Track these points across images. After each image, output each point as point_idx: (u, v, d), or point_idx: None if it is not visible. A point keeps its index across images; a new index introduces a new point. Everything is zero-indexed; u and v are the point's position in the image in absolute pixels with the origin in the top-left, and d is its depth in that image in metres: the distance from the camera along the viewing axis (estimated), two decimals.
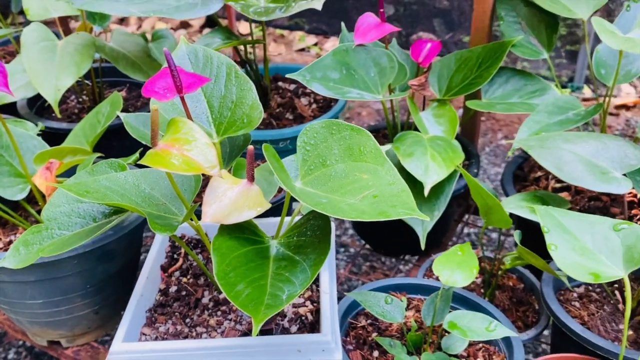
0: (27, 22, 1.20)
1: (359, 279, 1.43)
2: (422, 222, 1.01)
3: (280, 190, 1.06)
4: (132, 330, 0.76)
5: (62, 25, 1.50)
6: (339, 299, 0.86)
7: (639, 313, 0.86)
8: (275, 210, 1.03)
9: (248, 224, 0.71)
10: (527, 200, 0.96)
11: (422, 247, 1.00)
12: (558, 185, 1.11)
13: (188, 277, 0.86)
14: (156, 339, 0.77)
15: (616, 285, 0.92)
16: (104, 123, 1.01)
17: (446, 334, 0.81)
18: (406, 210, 0.61)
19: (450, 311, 0.79)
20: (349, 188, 0.66)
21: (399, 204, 0.63)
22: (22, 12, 1.28)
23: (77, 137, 1.04)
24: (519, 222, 1.07)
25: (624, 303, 0.88)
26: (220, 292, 0.82)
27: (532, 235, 0.94)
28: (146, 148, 0.69)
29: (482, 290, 1.01)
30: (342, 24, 1.19)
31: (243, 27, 2.67)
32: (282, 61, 2.53)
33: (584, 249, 0.70)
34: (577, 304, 0.89)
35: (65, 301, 0.93)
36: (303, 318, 0.77)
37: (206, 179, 0.74)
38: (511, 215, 0.95)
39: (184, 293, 0.83)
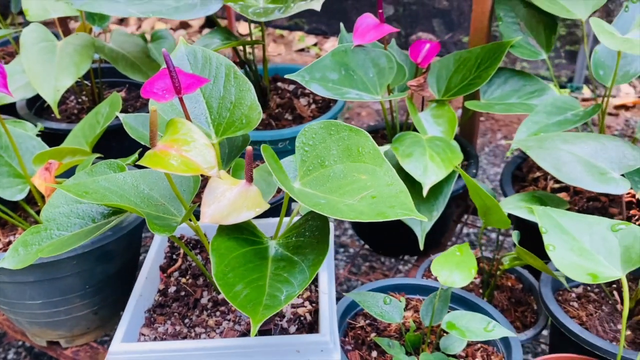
0: (27, 23, 1.20)
1: (359, 279, 1.43)
2: (421, 223, 1.01)
3: (279, 190, 1.06)
4: (131, 330, 0.76)
5: (61, 26, 1.50)
6: (338, 299, 0.86)
7: (637, 313, 0.86)
8: (274, 210, 1.03)
9: (247, 225, 0.71)
10: (526, 200, 0.96)
11: (421, 247, 1.00)
12: (557, 185, 1.11)
13: (187, 277, 0.86)
14: (155, 339, 0.77)
15: (614, 286, 0.92)
16: (103, 124, 1.02)
17: (445, 334, 0.81)
18: (404, 211, 0.61)
19: (448, 311, 0.79)
20: (347, 189, 0.66)
21: (397, 204, 0.63)
22: (21, 13, 1.28)
23: (76, 138, 1.04)
24: (518, 223, 1.07)
25: (622, 303, 0.89)
26: (219, 293, 0.82)
27: (531, 235, 0.94)
28: (145, 149, 0.69)
29: (480, 291, 1.01)
30: (341, 24, 1.19)
31: (243, 28, 2.67)
32: (282, 61, 2.54)
33: (582, 250, 0.70)
34: (575, 304, 0.89)
35: (64, 302, 0.93)
36: (302, 318, 0.77)
37: (205, 180, 0.74)
38: (510, 215, 0.96)
39: (182, 293, 0.83)
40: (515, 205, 0.95)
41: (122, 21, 2.92)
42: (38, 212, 0.99)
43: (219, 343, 0.71)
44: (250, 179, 0.68)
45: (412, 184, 0.95)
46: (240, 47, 1.31)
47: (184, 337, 0.76)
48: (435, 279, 0.96)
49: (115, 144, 1.25)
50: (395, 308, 0.81)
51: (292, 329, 0.76)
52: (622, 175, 0.87)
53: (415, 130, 1.06)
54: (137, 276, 0.84)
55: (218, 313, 0.80)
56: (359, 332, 0.85)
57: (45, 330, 1.00)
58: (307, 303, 0.80)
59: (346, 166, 0.69)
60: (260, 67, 1.37)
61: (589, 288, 0.92)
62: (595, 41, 1.89)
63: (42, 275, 0.88)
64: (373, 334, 0.84)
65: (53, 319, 0.96)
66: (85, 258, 0.89)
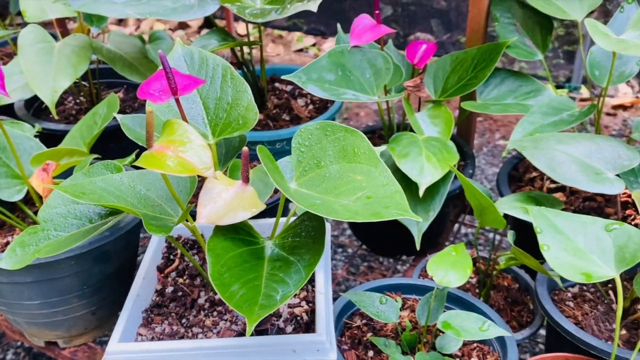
0: (26, 24, 1.21)
1: (357, 279, 1.43)
2: (417, 223, 1.01)
3: (276, 191, 1.06)
4: (128, 330, 0.76)
5: (59, 27, 1.50)
6: (336, 299, 0.86)
7: (633, 312, 0.87)
8: (271, 210, 1.03)
9: (243, 225, 0.71)
10: (521, 200, 0.96)
11: (417, 247, 1.00)
12: (553, 185, 1.12)
13: (184, 277, 0.87)
14: (152, 339, 0.78)
15: (610, 285, 0.92)
16: (100, 124, 1.02)
17: (440, 333, 0.82)
18: (399, 211, 0.62)
19: (444, 311, 0.79)
20: (343, 189, 0.67)
21: (393, 204, 0.63)
22: (20, 13, 1.28)
23: (74, 139, 1.04)
24: (514, 223, 1.08)
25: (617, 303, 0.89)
26: (216, 293, 0.83)
27: (527, 235, 0.95)
28: (143, 149, 0.69)
29: (477, 290, 1.01)
30: (338, 25, 1.19)
31: (241, 28, 2.67)
32: (280, 62, 2.54)
33: (576, 249, 0.71)
34: (571, 304, 0.89)
35: (62, 302, 0.94)
36: (298, 318, 0.78)
37: (202, 181, 0.74)
38: (507, 215, 0.96)
39: (180, 294, 0.84)
40: (510, 205, 0.95)
41: (120, 22, 2.93)
42: (36, 213, 0.99)
43: (215, 343, 0.71)
44: (246, 180, 0.68)
45: (409, 184, 0.96)
46: (238, 48, 1.31)
47: (181, 337, 0.77)
48: (432, 279, 0.97)
49: (113, 145, 1.25)
50: (392, 308, 0.81)
51: (289, 328, 0.76)
52: (617, 175, 0.88)
53: (412, 130, 1.06)
54: (134, 276, 0.84)
55: (215, 313, 0.80)
56: (355, 331, 0.85)
57: (43, 331, 1.00)
58: (303, 303, 0.80)
59: (342, 167, 0.69)
60: (258, 68, 1.37)
61: (584, 288, 0.93)
62: (592, 42, 1.89)
63: (40, 275, 0.89)
64: (369, 334, 0.84)
65: (51, 319, 0.96)
66: (83, 258, 0.90)
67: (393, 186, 0.65)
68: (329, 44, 2.62)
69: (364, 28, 1.05)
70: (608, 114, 2.08)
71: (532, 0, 1.11)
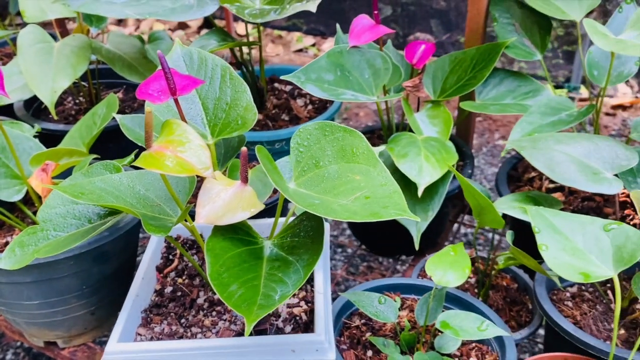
0: (25, 24, 1.21)
1: (356, 279, 1.43)
2: (416, 223, 1.01)
3: (275, 191, 1.07)
4: (127, 330, 0.77)
5: (59, 27, 1.50)
6: (335, 299, 0.87)
7: (631, 312, 0.87)
8: (270, 210, 1.03)
9: (242, 225, 0.71)
10: (520, 200, 0.96)
11: (416, 247, 1.00)
12: (552, 185, 1.12)
13: (183, 277, 0.87)
14: (151, 339, 0.78)
15: (609, 285, 0.92)
16: (100, 125, 1.02)
17: (439, 333, 0.82)
18: (398, 211, 0.62)
19: (443, 311, 0.79)
20: (341, 189, 0.67)
21: (391, 204, 0.63)
22: (19, 14, 1.29)
23: (73, 139, 1.04)
24: (513, 223, 1.08)
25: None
26: (215, 293, 0.83)
27: (526, 235, 0.95)
28: (142, 149, 0.69)
29: (476, 290, 1.02)
30: (337, 25, 1.19)
31: (241, 28, 2.67)
32: (280, 62, 2.54)
33: (574, 249, 0.71)
34: (569, 304, 0.90)
35: (61, 302, 0.94)
36: (297, 318, 0.78)
37: (201, 181, 0.75)
38: (505, 215, 0.96)
39: (179, 294, 0.84)
40: (509, 205, 0.95)
41: (120, 22, 2.93)
42: (35, 213, 0.99)
43: (214, 343, 0.71)
44: (245, 180, 0.68)
45: (408, 184, 0.96)
46: (238, 48, 1.31)
47: (180, 337, 0.77)
48: (431, 279, 0.97)
49: (112, 145, 1.25)
50: (390, 308, 0.81)
51: (288, 328, 0.76)
52: (616, 175, 0.88)
53: (411, 130, 1.06)
54: (134, 276, 0.84)
55: (214, 313, 0.80)
56: (354, 331, 0.85)
57: (42, 331, 1.00)
58: (302, 303, 0.80)
59: (340, 167, 0.69)
60: (257, 68, 1.37)
61: (583, 287, 0.93)
62: (591, 42, 1.90)
63: (39, 275, 0.89)
64: (368, 334, 0.84)
65: (50, 319, 0.96)
66: (83, 258, 0.90)
67: (392, 186, 0.65)
68: (328, 44, 2.62)
69: (363, 28, 1.05)
70: (607, 114, 2.08)
71: (530, 1, 1.11)
